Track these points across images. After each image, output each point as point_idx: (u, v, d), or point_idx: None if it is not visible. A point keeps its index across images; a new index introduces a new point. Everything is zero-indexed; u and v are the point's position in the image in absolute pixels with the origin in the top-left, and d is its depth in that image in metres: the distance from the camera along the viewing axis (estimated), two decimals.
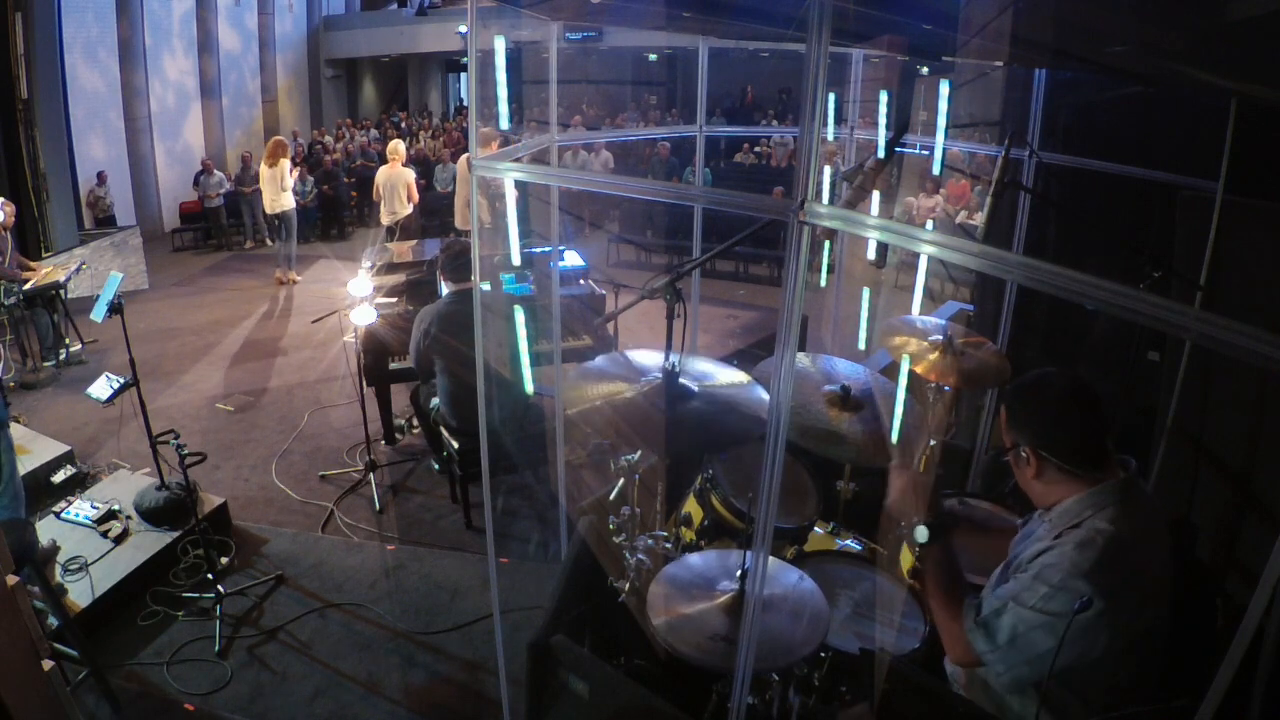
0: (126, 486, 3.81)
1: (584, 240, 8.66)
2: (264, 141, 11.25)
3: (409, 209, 7.75)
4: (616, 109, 15.06)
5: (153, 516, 3.55)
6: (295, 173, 8.38)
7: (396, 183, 7.57)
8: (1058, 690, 1.39)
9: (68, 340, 6.11)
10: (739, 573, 1.66)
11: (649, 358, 1.95)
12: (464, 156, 8.59)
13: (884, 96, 2.86)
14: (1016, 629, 1.40)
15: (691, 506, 2.19)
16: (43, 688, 1.94)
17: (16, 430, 4.02)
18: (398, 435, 4.71)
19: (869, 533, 2.34)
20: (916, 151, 3.47)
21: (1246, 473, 2.26)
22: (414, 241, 6.39)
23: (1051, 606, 1.37)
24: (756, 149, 12.05)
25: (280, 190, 8.05)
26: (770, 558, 1.53)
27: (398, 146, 7.71)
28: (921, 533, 1.62)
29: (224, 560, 3.53)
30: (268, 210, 8.25)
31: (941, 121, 2.68)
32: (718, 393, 1.88)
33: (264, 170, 8.10)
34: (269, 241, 9.90)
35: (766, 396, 1.83)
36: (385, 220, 7.77)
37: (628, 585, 2.05)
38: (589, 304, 4.69)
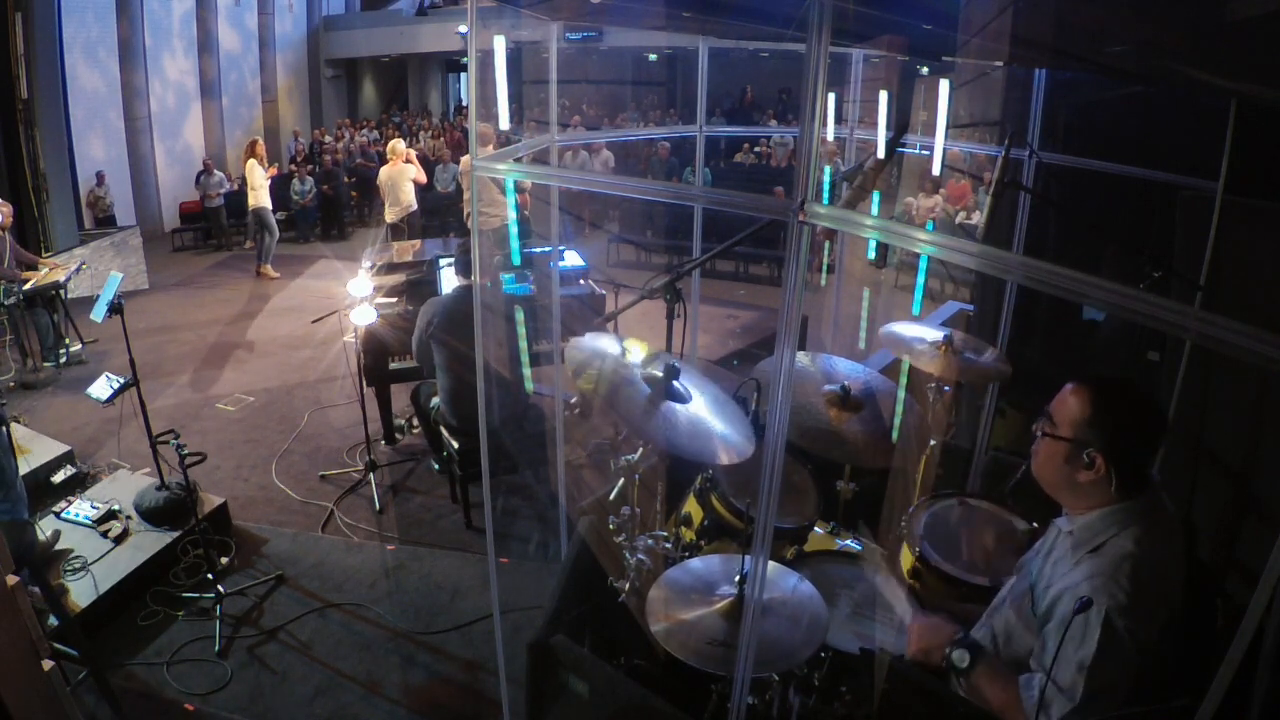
0: (126, 486, 3.81)
1: (584, 240, 8.66)
2: (264, 141, 11.28)
3: (414, 203, 7.90)
4: (616, 109, 15.06)
5: (153, 516, 3.55)
6: (273, 170, 8.65)
7: (398, 180, 7.70)
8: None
9: (68, 340, 6.11)
10: (738, 578, 1.66)
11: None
12: (465, 157, 8.65)
13: (884, 96, 2.86)
14: (1094, 687, 1.35)
15: (691, 506, 2.19)
16: (43, 688, 1.94)
17: (17, 430, 4.02)
18: (398, 435, 4.71)
19: (869, 533, 2.34)
20: (916, 151, 3.47)
21: (1246, 473, 2.26)
22: (419, 243, 6.44)
23: (1100, 665, 1.34)
24: (756, 149, 12.05)
25: (251, 188, 8.36)
26: (769, 562, 1.53)
27: (397, 145, 7.85)
28: (962, 657, 1.53)
29: (224, 560, 3.52)
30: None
31: (941, 121, 2.68)
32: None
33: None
34: (250, 240, 10.09)
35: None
36: (390, 218, 7.88)
37: (628, 585, 2.05)
38: (589, 304, 4.69)
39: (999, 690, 1.49)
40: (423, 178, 8.07)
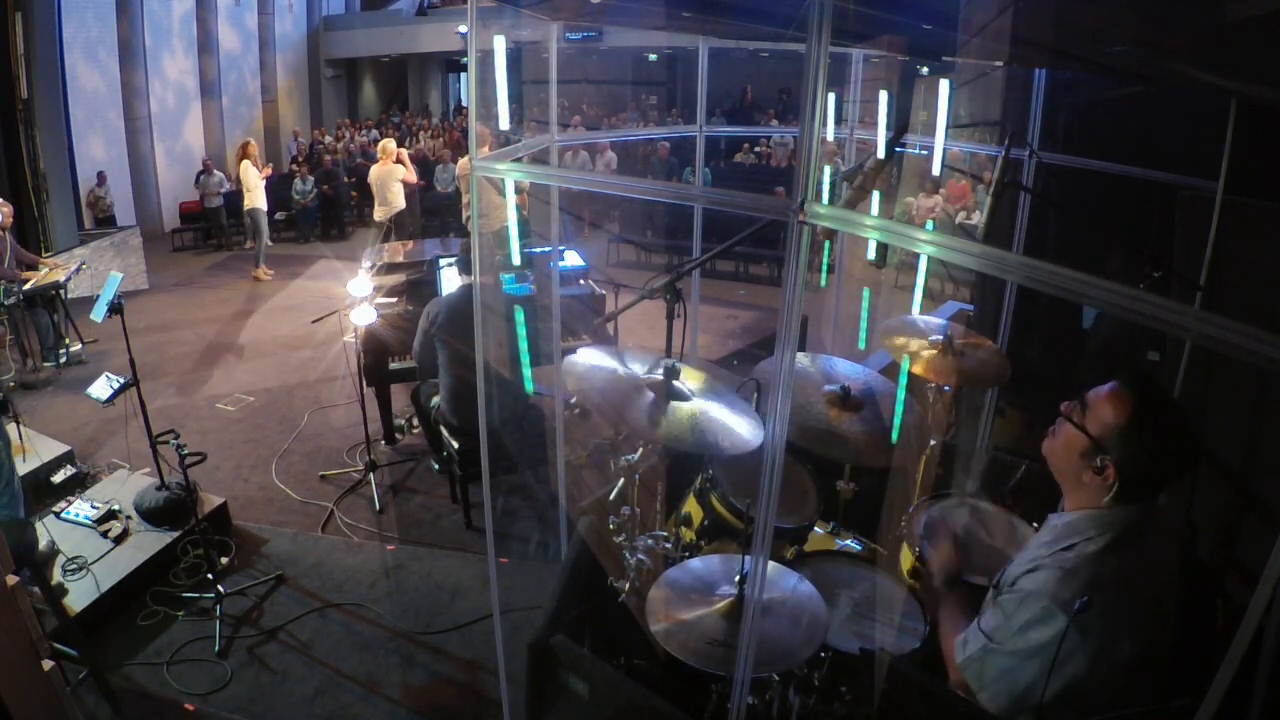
0: (126, 486, 3.81)
1: (584, 240, 8.66)
2: (264, 141, 11.29)
3: (402, 203, 7.96)
4: (616, 109, 15.06)
5: (153, 516, 3.55)
6: (267, 170, 8.65)
7: (387, 179, 7.77)
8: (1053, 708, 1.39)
9: (68, 340, 6.11)
10: (738, 578, 1.66)
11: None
12: (465, 157, 8.67)
13: (884, 96, 2.86)
14: (999, 669, 1.41)
15: (691, 506, 2.19)
16: (43, 688, 1.94)
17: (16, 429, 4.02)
18: (398, 435, 4.71)
19: (869, 533, 2.34)
20: (916, 151, 3.46)
21: (1246, 473, 2.26)
22: (410, 243, 6.47)
23: (1028, 641, 1.36)
24: (756, 149, 12.05)
25: (245, 190, 8.43)
26: (769, 562, 1.53)
27: (387, 145, 7.93)
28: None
29: (224, 560, 3.52)
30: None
31: (941, 121, 2.67)
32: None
33: None
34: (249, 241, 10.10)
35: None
36: (379, 216, 7.98)
37: (628, 585, 2.05)
38: (589, 304, 4.69)
39: (949, 628, 1.61)
40: (412, 178, 8.11)
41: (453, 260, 4.35)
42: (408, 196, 8.98)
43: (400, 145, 12.94)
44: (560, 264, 4.51)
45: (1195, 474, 2.37)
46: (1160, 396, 1.42)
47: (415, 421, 4.63)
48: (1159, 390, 1.43)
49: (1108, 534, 1.39)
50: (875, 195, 2.71)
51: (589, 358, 1.96)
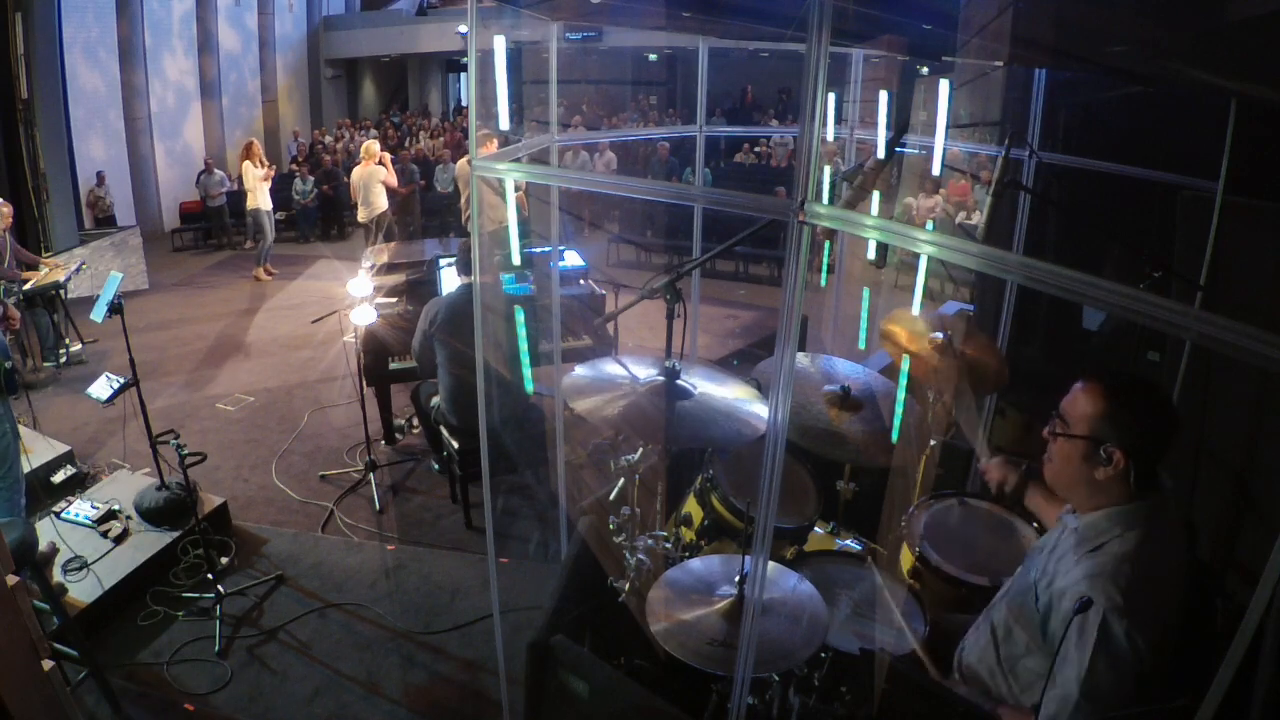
0: (126, 486, 3.81)
1: (584, 240, 8.66)
2: (264, 141, 11.28)
3: (384, 205, 8.01)
4: (616, 109, 15.06)
5: (153, 516, 3.55)
6: (270, 171, 8.56)
7: (370, 181, 7.84)
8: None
9: (68, 340, 6.11)
10: (738, 578, 1.66)
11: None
12: (464, 158, 8.67)
13: (884, 96, 2.86)
14: (1090, 688, 1.36)
15: (691, 506, 2.20)
16: (43, 688, 1.94)
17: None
18: (398, 435, 4.71)
19: (869, 533, 2.35)
20: (916, 151, 3.47)
21: (1246, 473, 2.26)
22: (393, 244, 6.51)
23: (1106, 651, 1.34)
24: (756, 149, 12.05)
25: (247, 190, 8.45)
26: (769, 562, 1.53)
27: (371, 147, 8.00)
28: None
29: (224, 560, 3.52)
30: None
31: (941, 121, 2.68)
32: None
33: None
34: (250, 240, 10.00)
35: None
36: (362, 218, 8.07)
37: (628, 585, 2.05)
38: (589, 304, 4.69)
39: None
40: (393, 180, 8.12)
41: (453, 260, 4.36)
42: (406, 198, 8.99)
43: (401, 145, 12.99)
44: (560, 264, 4.51)
45: (1195, 474, 2.38)
46: (1122, 374, 1.51)
47: (415, 421, 4.63)
48: (1118, 370, 1.53)
49: (1135, 529, 1.40)
50: (875, 195, 2.71)
51: (588, 372, 1.97)
